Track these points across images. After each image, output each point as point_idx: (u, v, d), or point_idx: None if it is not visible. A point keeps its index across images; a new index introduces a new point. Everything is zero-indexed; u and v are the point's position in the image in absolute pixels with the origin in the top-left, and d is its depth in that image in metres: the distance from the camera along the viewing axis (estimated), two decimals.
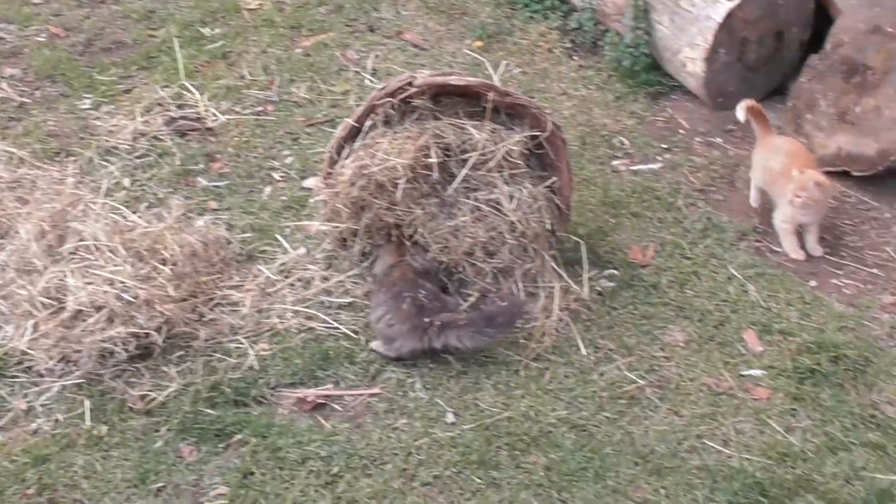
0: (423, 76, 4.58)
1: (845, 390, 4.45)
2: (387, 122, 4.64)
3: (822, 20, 6.07)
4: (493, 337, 4.47)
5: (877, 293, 5.00)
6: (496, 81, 4.72)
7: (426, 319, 4.41)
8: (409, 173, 4.54)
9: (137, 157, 5.56)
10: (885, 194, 5.62)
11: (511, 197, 4.66)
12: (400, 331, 4.44)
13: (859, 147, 5.54)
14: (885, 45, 5.46)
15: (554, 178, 4.77)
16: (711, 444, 4.22)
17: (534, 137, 4.68)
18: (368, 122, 4.64)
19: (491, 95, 4.55)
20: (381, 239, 4.80)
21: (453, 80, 4.61)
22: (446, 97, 4.70)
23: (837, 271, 5.14)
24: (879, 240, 5.34)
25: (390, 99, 4.55)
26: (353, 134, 4.67)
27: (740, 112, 5.36)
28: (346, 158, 4.64)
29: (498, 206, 4.67)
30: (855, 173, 5.61)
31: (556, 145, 4.73)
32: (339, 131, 4.70)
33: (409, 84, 4.53)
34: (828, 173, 5.63)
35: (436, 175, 4.61)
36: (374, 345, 4.55)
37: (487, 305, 4.66)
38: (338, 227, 4.77)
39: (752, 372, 4.55)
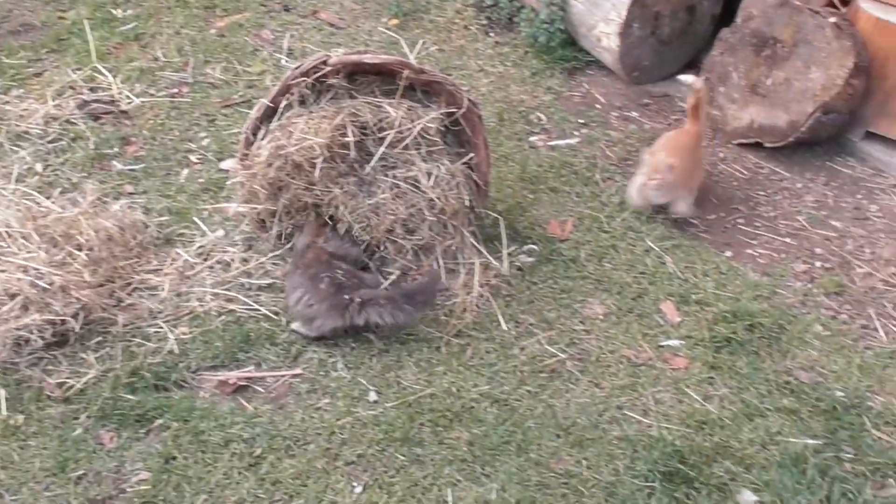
0: (338, 55, 4.56)
1: (761, 358, 4.52)
2: (302, 102, 4.61)
3: None
4: (413, 314, 4.48)
5: (790, 262, 5.08)
6: (412, 59, 4.72)
7: (346, 297, 4.41)
8: (326, 153, 4.52)
9: (50, 142, 5.48)
10: (796, 164, 5.71)
11: (429, 174, 4.66)
12: (319, 310, 4.43)
13: (770, 119, 5.62)
14: (793, 17, 5.53)
15: (471, 155, 4.78)
16: (632, 414, 4.27)
17: (450, 114, 4.68)
18: (284, 102, 4.61)
19: (406, 73, 4.54)
20: (300, 219, 4.78)
21: (368, 58, 4.59)
22: (362, 76, 4.69)
23: (752, 241, 5.21)
24: (792, 209, 5.42)
25: (305, 78, 4.53)
26: (269, 114, 4.64)
27: (685, 78, 5.32)
28: (263, 139, 4.61)
29: (416, 184, 4.68)
30: (767, 144, 5.69)
31: (473, 122, 4.73)
32: (255, 112, 4.66)
33: (324, 63, 4.51)
34: (741, 145, 5.74)
35: (353, 154, 4.60)
36: (295, 325, 4.53)
37: (407, 282, 4.68)
38: (256, 208, 4.74)
39: (670, 342, 4.61)
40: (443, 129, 4.72)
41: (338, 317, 4.42)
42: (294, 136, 4.51)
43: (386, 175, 4.68)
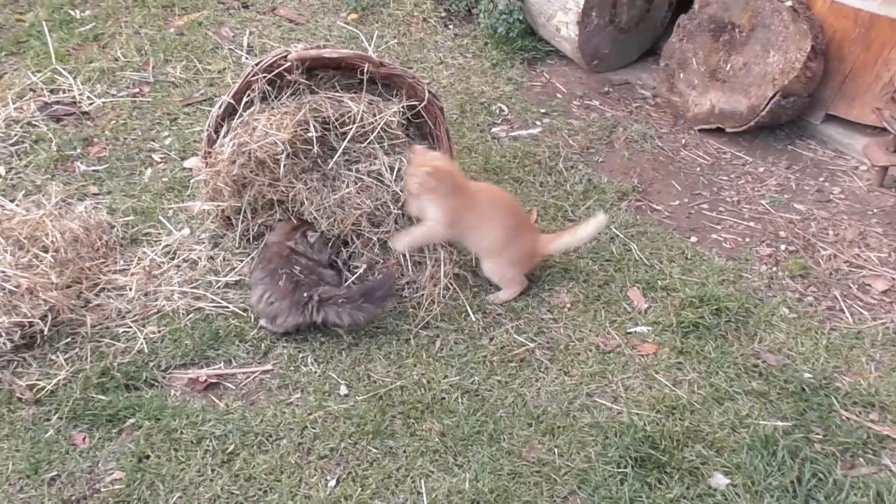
0: (298, 50, 4.55)
1: (728, 342, 4.55)
2: (263, 99, 4.60)
3: None
4: (371, 312, 4.48)
5: (754, 246, 5.12)
6: (371, 53, 4.71)
7: (305, 294, 4.43)
8: (289, 149, 4.51)
9: (12, 145, 5.44)
10: (758, 148, 5.76)
11: (392, 168, 4.66)
12: (280, 307, 4.44)
13: (731, 103, 5.66)
14: (750, 2, 5.56)
15: (434, 148, 4.77)
16: (602, 401, 4.27)
17: (412, 107, 4.68)
18: (245, 99, 4.59)
19: (367, 66, 4.54)
20: (267, 217, 4.77)
21: (327, 52, 4.57)
22: (322, 70, 4.68)
23: (716, 226, 5.25)
24: (755, 193, 5.46)
25: (265, 74, 4.52)
26: (231, 111, 4.62)
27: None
28: (225, 136, 4.59)
29: (380, 178, 4.67)
30: (728, 129, 5.74)
31: (434, 114, 4.73)
32: (216, 109, 4.64)
33: (284, 58, 4.50)
34: (703, 131, 5.77)
35: (316, 149, 4.59)
36: (262, 322, 4.53)
37: (367, 279, 4.69)
38: (220, 205, 4.72)
39: (638, 329, 4.62)
40: (405, 122, 4.72)
41: (298, 314, 4.43)
42: (256, 133, 4.49)
43: (349, 169, 4.67)
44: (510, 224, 4.58)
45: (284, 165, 4.52)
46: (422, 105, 4.67)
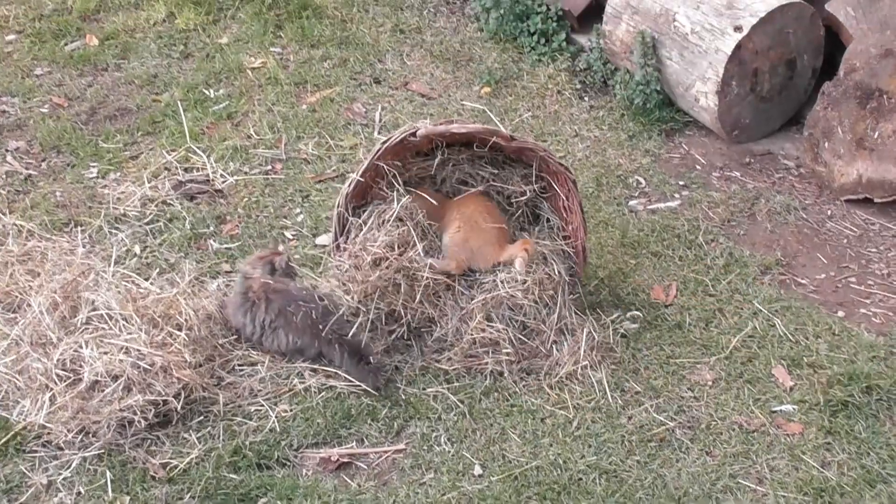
0: (426, 126, 4.54)
1: (880, 421, 4.38)
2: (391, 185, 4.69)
3: (834, 46, 6.06)
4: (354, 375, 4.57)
5: None
6: (500, 127, 4.68)
7: (320, 327, 4.55)
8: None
9: (147, 224, 5.50)
10: None
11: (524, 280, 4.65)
12: (304, 342, 4.62)
13: (879, 172, 5.50)
14: None
15: (569, 226, 4.74)
16: (746, 482, 4.14)
17: (543, 185, 4.69)
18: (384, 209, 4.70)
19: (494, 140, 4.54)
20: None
21: (455, 128, 4.54)
22: (452, 147, 4.74)
23: (865, 300, 5.08)
24: None
25: (393, 160, 4.59)
26: (361, 191, 4.65)
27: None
28: (373, 231, 4.67)
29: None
30: (877, 200, 5.57)
31: (567, 187, 4.68)
32: (346, 187, 4.66)
33: (413, 135, 4.50)
34: (850, 202, 5.62)
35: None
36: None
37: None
38: (349, 292, 4.69)
39: (783, 407, 4.48)
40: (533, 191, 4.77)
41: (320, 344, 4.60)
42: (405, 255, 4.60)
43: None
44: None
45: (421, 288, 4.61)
46: (567, 193, 4.64)
